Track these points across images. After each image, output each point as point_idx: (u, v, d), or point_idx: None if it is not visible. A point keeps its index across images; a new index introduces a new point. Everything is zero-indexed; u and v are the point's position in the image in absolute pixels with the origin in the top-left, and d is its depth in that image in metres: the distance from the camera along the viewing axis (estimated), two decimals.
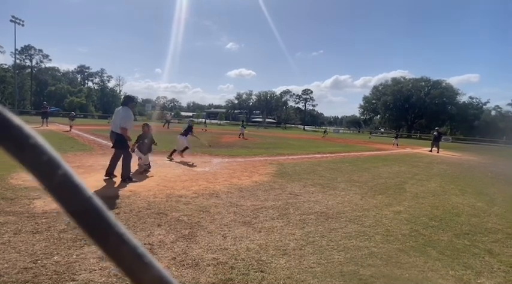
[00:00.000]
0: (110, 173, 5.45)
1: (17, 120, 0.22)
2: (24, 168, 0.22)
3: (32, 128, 0.23)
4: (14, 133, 0.21)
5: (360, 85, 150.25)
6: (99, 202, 0.24)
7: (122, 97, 6.78)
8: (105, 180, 5.33)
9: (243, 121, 24.36)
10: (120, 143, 5.48)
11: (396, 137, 23.30)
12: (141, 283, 0.26)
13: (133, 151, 5.81)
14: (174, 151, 8.52)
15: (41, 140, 0.23)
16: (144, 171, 6.44)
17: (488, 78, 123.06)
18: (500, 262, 3.15)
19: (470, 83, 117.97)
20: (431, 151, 18.42)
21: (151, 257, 0.25)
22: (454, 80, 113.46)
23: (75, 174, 0.24)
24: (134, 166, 6.11)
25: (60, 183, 0.23)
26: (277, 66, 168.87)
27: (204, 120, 35.33)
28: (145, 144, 6.51)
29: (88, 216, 0.23)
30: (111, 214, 0.24)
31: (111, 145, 5.64)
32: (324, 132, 37.02)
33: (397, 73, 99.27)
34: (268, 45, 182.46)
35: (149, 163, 6.69)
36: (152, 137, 6.76)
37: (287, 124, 72.26)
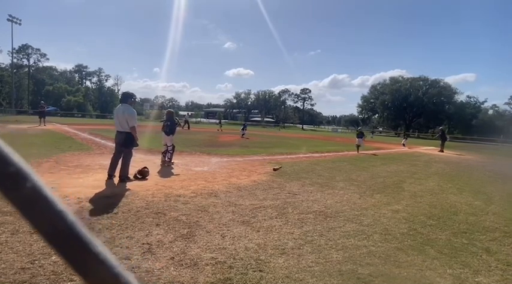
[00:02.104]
0: (111, 174, 5.41)
1: None
2: None
3: None
4: None
5: (358, 84, 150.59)
6: (72, 217, 0.23)
7: (120, 95, 6.77)
8: (104, 180, 5.31)
9: (245, 123, 24.83)
10: (130, 141, 5.44)
11: (405, 137, 22.03)
12: None
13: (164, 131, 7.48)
14: (358, 147, 13.72)
15: (7, 150, 0.21)
16: (165, 160, 7.33)
17: (485, 77, 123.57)
18: (498, 260, 3.17)
19: (467, 83, 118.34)
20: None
21: (129, 276, 0.24)
22: (450, 79, 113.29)
23: (45, 186, 0.22)
24: (134, 165, 6.08)
25: (27, 197, 0.21)
26: (275, 65, 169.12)
27: (219, 120, 35.06)
28: (168, 126, 7.53)
29: (59, 233, 0.22)
30: (86, 231, 0.23)
31: (112, 144, 5.61)
32: (372, 132, 33.01)
33: (394, 73, 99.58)
34: (266, 44, 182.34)
35: (173, 145, 7.48)
36: (175, 121, 7.85)
37: (285, 124, 71.64)
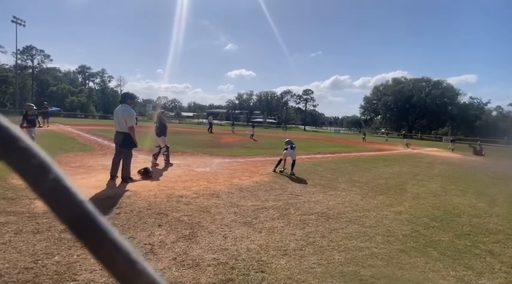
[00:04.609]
0: (113, 175, 5.42)
1: (4, 121, 0.21)
2: (14, 172, 0.22)
3: (20, 130, 0.22)
4: (1, 135, 0.21)
5: (359, 85, 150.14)
6: (91, 206, 0.24)
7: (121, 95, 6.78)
8: (106, 180, 5.33)
9: (253, 122, 24.60)
10: (129, 142, 5.45)
11: (453, 141, 20.74)
12: None
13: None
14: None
15: (30, 143, 0.22)
16: (155, 162, 7.22)
17: (486, 78, 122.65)
18: (502, 262, 3.14)
19: (468, 84, 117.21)
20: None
21: (144, 263, 0.25)
22: (452, 81, 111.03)
23: (66, 177, 0.23)
24: (136, 166, 6.11)
25: (51, 187, 0.22)
26: (277, 67, 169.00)
27: (232, 122, 34.26)
28: (157, 128, 7.47)
29: (79, 221, 0.23)
30: (104, 219, 0.24)
31: (113, 145, 5.62)
32: (387, 134, 34.72)
33: (395, 74, 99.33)
34: (267, 46, 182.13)
35: (166, 146, 7.41)
36: (163, 122, 7.64)
37: (287, 125, 71.14)
